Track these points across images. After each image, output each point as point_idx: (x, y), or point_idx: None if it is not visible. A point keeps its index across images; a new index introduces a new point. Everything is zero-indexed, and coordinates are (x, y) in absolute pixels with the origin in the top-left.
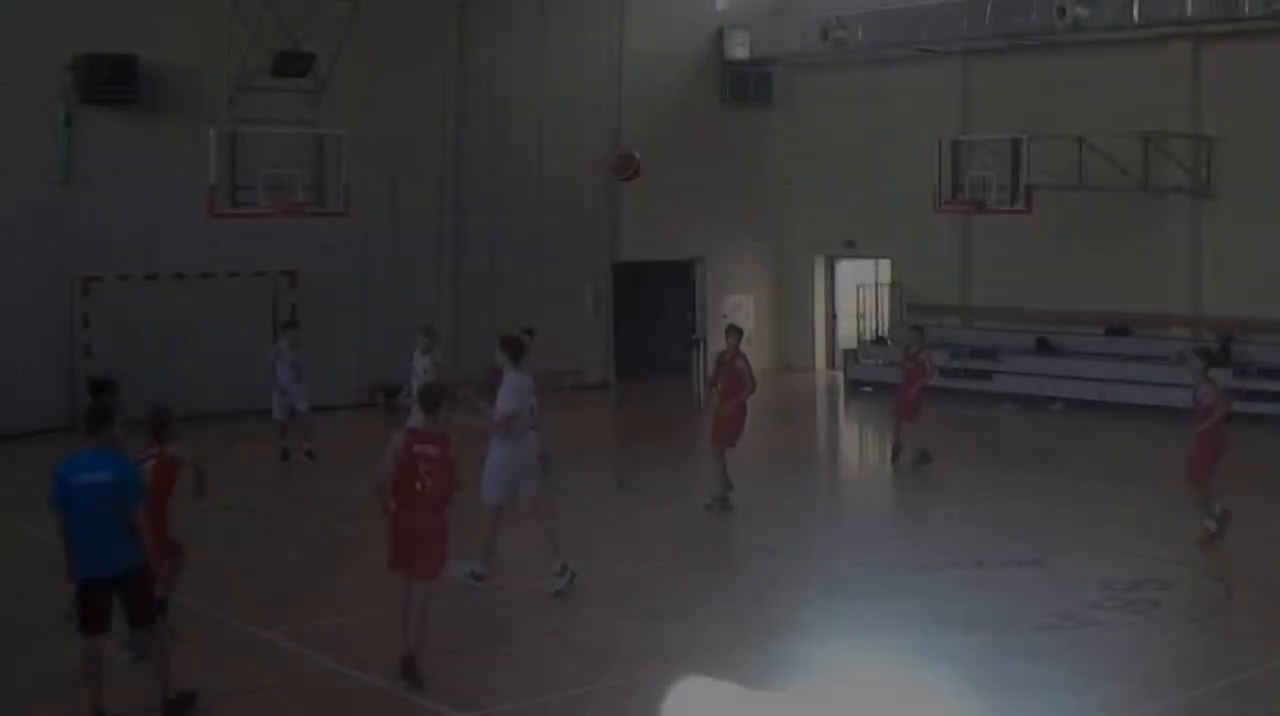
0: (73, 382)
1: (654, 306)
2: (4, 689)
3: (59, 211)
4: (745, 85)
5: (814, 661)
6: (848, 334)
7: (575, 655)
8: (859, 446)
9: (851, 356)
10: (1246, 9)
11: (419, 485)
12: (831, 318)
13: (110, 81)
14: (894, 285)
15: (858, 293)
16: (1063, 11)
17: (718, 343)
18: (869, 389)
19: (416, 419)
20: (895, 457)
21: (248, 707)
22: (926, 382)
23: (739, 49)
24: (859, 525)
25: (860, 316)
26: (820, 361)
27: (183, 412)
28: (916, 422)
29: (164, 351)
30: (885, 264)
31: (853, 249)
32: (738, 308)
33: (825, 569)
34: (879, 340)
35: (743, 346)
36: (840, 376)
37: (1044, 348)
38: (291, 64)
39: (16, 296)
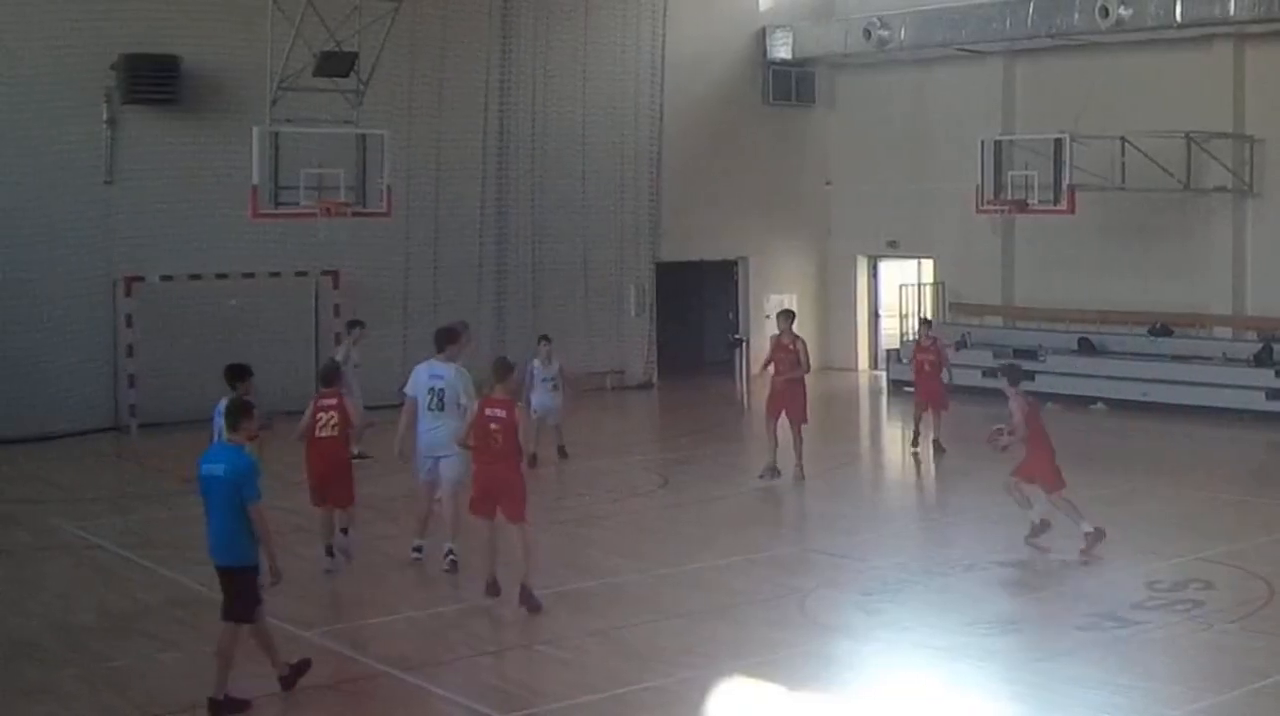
0: (115, 383)
1: (696, 307)
2: (49, 688)
3: (102, 211)
4: (787, 85)
5: (857, 661)
6: (890, 334)
7: (619, 655)
8: (902, 446)
9: (894, 356)
10: None
11: (492, 442)
12: (874, 317)
13: (153, 82)
14: (936, 285)
15: (900, 292)
16: (1105, 11)
17: (760, 343)
18: (911, 389)
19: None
20: (916, 442)
21: (294, 708)
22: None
23: (781, 49)
24: (902, 525)
25: (903, 316)
26: (863, 361)
27: None
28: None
29: (206, 351)
30: (928, 263)
31: (895, 248)
32: (780, 307)
33: (868, 569)
34: None
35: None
36: (883, 376)
37: (1086, 348)
38: (334, 64)
39: (60, 296)
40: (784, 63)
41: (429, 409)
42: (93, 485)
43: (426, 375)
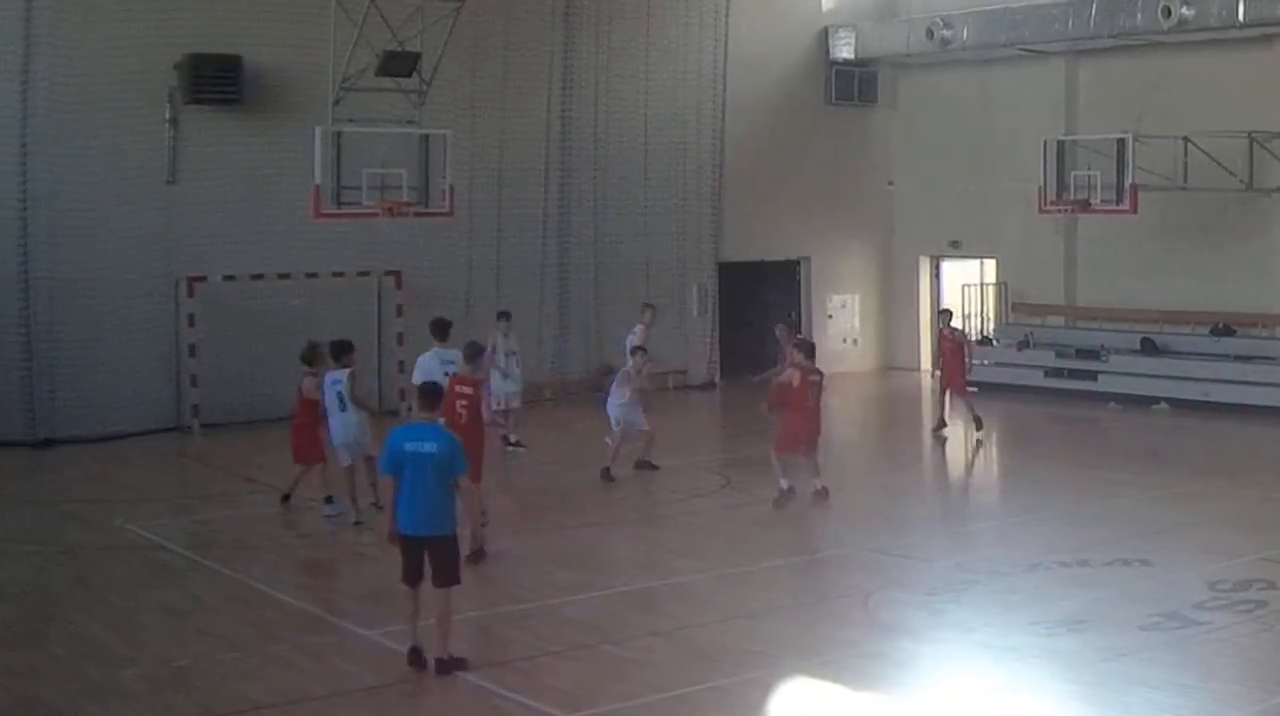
0: (178, 383)
1: (759, 307)
2: (112, 688)
3: (164, 212)
4: (850, 85)
5: (919, 662)
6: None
7: (682, 655)
8: (964, 446)
9: None
10: None
11: (458, 418)
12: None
13: (216, 81)
14: (999, 285)
15: (963, 292)
16: (1168, 11)
17: (822, 343)
18: (974, 389)
19: (461, 368)
20: (940, 428)
21: (354, 708)
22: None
23: (844, 49)
24: (965, 524)
25: (965, 316)
26: (925, 361)
27: (287, 412)
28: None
29: (268, 351)
30: (990, 264)
31: (958, 249)
32: (842, 308)
33: (931, 569)
34: (984, 340)
35: (846, 344)
36: None
37: (1149, 347)
38: (396, 64)
39: (123, 296)
40: (846, 63)
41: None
42: (156, 485)
43: (439, 362)
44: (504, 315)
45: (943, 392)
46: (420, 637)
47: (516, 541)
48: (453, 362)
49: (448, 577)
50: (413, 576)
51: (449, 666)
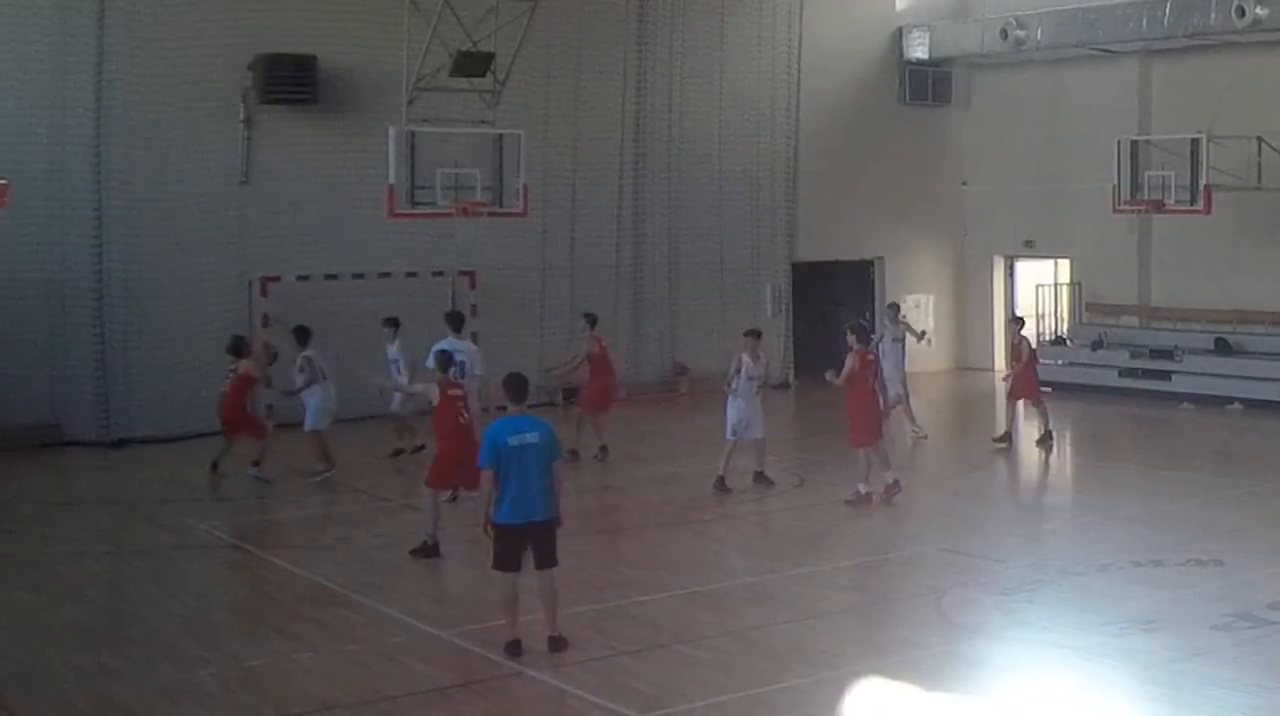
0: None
1: (832, 307)
2: (186, 688)
3: (238, 212)
4: (924, 85)
5: (993, 662)
6: (1027, 334)
7: (755, 655)
8: (1038, 447)
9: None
10: None
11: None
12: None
13: (290, 82)
14: (1073, 285)
15: (1037, 292)
16: (1242, 11)
17: None
18: (1048, 389)
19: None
20: (1005, 438)
21: (427, 708)
22: (1029, 365)
23: (918, 49)
24: (1037, 524)
25: (1039, 316)
26: (999, 361)
27: (360, 412)
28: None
29: (342, 351)
30: (1064, 264)
31: (1031, 248)
32: (916, 308)
33: (1004, 569)
34: (1058, 340)
35: (924, 343)
36: None
37: (1222, 348)
38: (471, 64)
39: (196, 296)
40: (920, 62)
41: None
42: (229, 484)
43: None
44: (390, 322)
45: (1010, 401)
46: (520, 629)
47: (590, 541)
48: (461, 352)
49: (552, 559)
50: (515, 564)
51: (561, 644)
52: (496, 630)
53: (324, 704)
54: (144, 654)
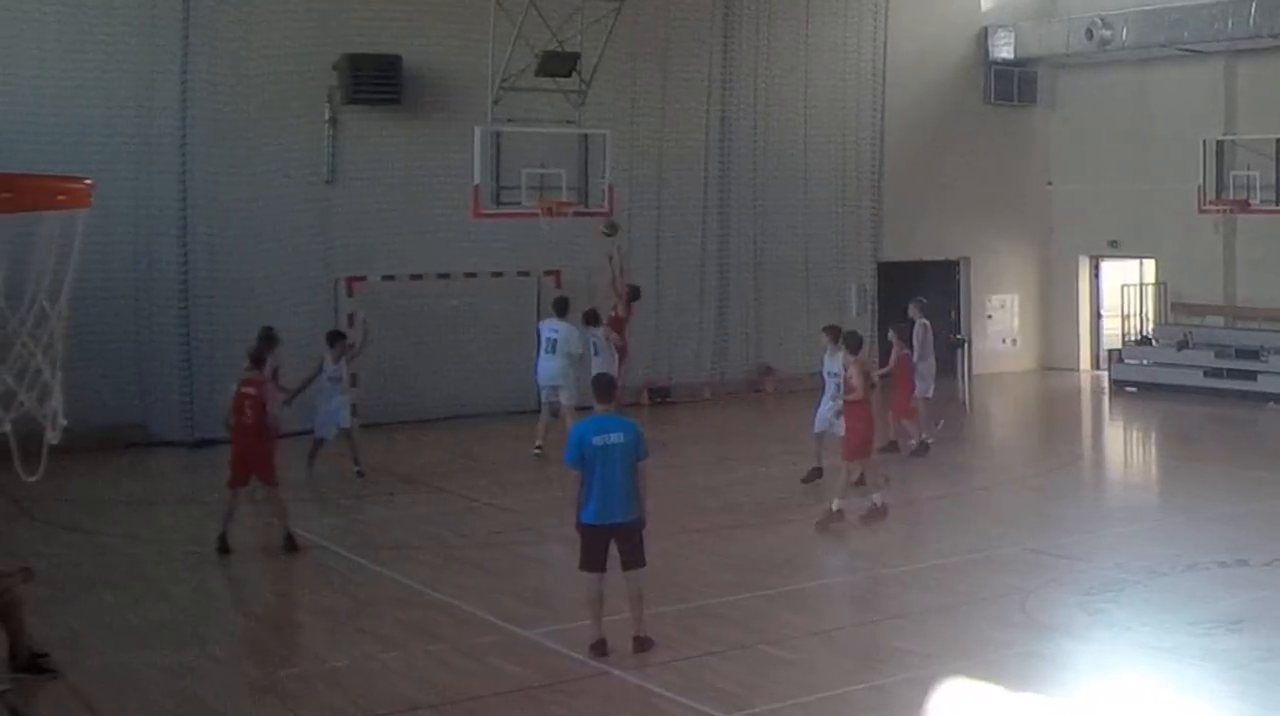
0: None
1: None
2: (271, 688)
3: (323, 212)
4: (1009, 85)
5: (1077, 662)
6: (1112, 334)
7: (840, 654)
8: (1123, 446)
9: (1116, 356)
10: None
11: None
12: (1096, 317)
13: (375, 81)
14: (1158, 285)
15: (1122, 292)
16: None
17: (982, 343)
18: (1133, 389)
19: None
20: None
21: (512, 708)
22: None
23: (1003, 49)
24: (1123, 524)
25: (1125, 316)
26: (1085, 361)
27: (445, 412)
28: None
29: (428, 351)
30: (1150, 263)
31: (1117, 248)
32: (1001, 308)
33: (1089, 569)
34: (1144, 340)
35: (1005, 344)
36: (1105, 376)
37: None
38: (556, 64)
39: (282, 297)
40: (1005, 62)
41: (545, 353)
42: (314, 484)
43: (547, 329)
44: (335, 336)
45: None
46: (606, 629)
47: (676, 541)
48: (556, 332)
49: (639, 560)
50: (600, 564)
51: (647, 644)
52: (582, 630)
53: (409, 704)
54: (228, 653)
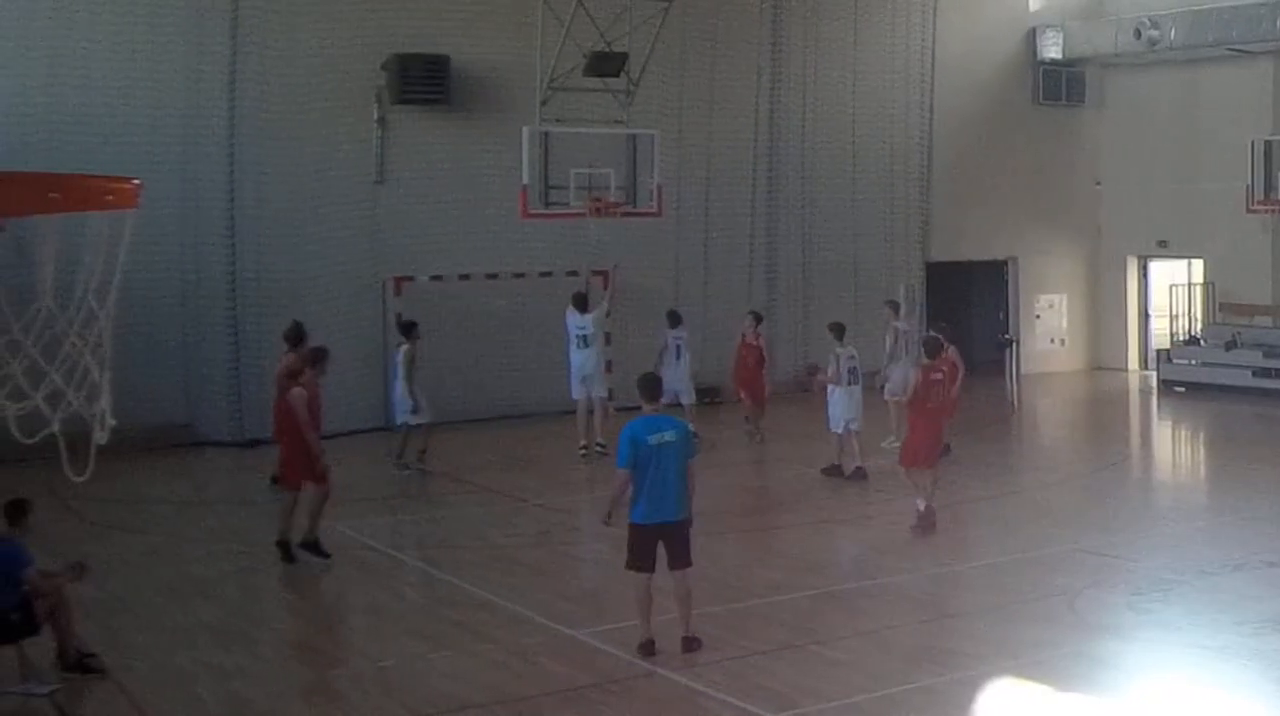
0: (384, 383)
1: (966, 307)
2: (320, 689)
3: (371, 212)
4: (1058, 85)
5: (1125, 662)
6: (1160, 334)
7: (888, 655)
8: (1171, 446)
9: (1164, 356)
10: None
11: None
12: (1144, 318)
13: (423, 81)
14: (1206, 285)
15: (1170, 292)
16: None
17: (1030, 343)
18: (1181, 389)
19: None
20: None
21: (561, 708)
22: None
23: (1052, 49)
24: (1171, 524)
25: (1173, 316)
26: (1133, 361)
27: (494, 412)
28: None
29: (476, 351)
30: (1198, 263)
31: (1165, 248)
32: (1050, 308)
33: (1137, 568)
34: (1192, 340)
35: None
36: (1153, 376)
37: None
38: (604, 64)
39: (329, 297)
40: (1054, 63)
41: (577, 347)
42: (364, 485)
43: (575, 324)
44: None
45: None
46: (654, 629)
47: (724, 541)
48: (585, 326)
49: (687, 560)
50: (649, 564)
51: (695, 644)
52: (630, 630)
53: (458, 703)
54: (276, 654)
